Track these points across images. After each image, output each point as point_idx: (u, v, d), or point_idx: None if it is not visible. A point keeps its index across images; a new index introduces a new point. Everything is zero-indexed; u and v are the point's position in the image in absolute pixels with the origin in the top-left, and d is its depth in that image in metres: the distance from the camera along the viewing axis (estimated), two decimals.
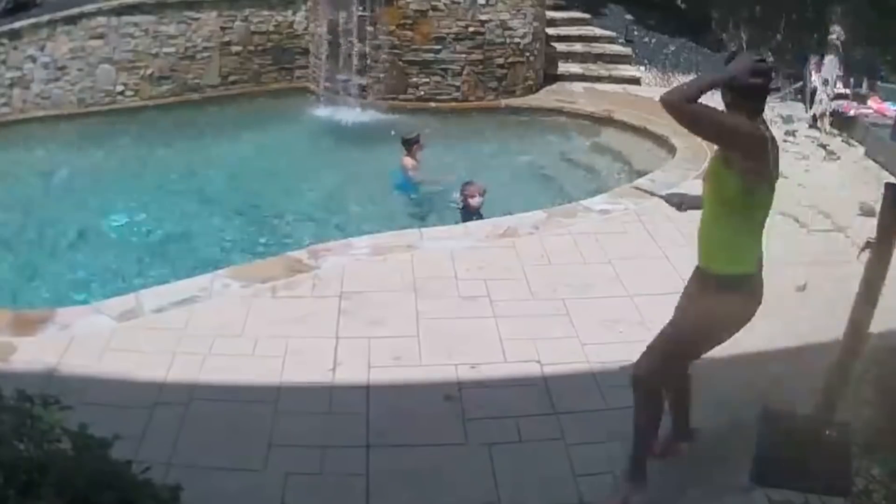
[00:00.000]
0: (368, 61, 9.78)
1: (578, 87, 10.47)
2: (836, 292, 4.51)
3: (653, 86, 10.75)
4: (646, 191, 6.87)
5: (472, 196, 6.78)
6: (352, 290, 4.79)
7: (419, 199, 7.56)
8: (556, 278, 5.03)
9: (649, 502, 3.13)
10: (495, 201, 6.90)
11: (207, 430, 3.55)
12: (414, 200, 7.53)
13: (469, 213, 6.80)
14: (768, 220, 2.96)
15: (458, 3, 9.70)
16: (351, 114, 9.78)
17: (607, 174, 8.40)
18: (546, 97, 10.31)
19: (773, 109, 9.43)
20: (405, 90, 9.86)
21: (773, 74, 2.96)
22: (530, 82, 10.45)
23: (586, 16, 12.03)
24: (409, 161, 7.63)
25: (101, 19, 9.29)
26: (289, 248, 5.70)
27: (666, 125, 8.83)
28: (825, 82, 9.15)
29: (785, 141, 8.36)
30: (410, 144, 7.66)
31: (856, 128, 8.62)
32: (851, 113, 8.81)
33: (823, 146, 8.20)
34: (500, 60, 10.06)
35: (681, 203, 3.91)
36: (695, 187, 6.86)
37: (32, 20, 9.00)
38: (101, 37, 9.32)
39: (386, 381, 3.94)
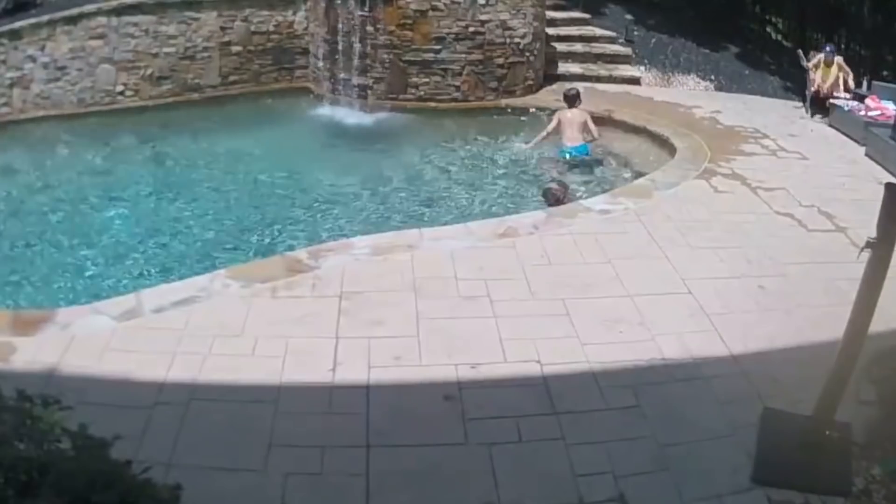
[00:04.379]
0: (368, 61, 9.78)
1: (578, 87, 10.45)
2: (836, 292, 4.53)
3: (653, 86, 10.75)
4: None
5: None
6: (352, 290, 4.79)
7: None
8: (556, 278, 5.03)
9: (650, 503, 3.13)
10: (495, 201, 6.89)
11: (207, 430, 3.54)
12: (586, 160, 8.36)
13: None
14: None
15: (458, 3, 9.69)
16: (351, 114, 9.78)
17: (607, 174, 8.39)
18: (546, 97, 10.29)
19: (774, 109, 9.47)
20: (405, 90, 9.85)
21: None
22: (530, 82, 10.44)
23: (586, 16, 12.03)
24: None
25: (101, 19, 9.29)
26: (289, 247, 5.69)
27: (666, 125, 8.86)
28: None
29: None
30: (575, 100, 8.55)
31: (855, 128, 8.62)
32: (860, 113, 8.80)
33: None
34: (500, 60, 10.05)
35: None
36: (694, 188, 6.91)
37: (32, 20, 8.99)
38: (101, 37, 9.31)
39: (386, 381, 3.94)
